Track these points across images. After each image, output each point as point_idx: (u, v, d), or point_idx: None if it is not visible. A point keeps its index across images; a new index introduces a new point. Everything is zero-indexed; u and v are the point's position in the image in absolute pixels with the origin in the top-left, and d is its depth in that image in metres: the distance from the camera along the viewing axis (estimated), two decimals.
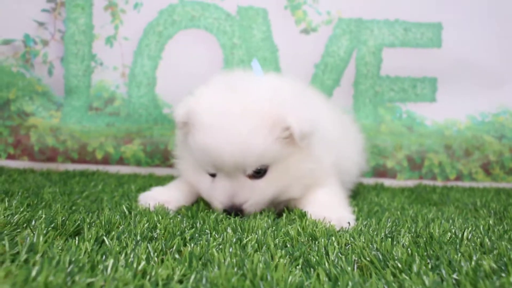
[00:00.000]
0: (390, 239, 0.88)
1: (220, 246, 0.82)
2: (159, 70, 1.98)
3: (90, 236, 0.83)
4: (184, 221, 1.00)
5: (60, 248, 0.78)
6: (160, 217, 1.00)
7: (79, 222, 0.92)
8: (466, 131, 2.02)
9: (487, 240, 0.90)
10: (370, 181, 1.99)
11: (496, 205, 1.39)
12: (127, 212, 1.06)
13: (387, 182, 2.00)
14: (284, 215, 1.11)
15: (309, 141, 1.14)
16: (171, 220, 0.99)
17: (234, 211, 1.10)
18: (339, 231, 0.99)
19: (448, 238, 0.92)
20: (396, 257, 0.76)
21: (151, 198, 1.18)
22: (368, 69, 1.99)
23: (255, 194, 1.12)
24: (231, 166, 1.10)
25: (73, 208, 1.11)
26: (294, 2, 1.97)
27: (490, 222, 1.12)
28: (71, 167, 1.99)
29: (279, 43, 1.98)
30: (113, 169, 1.99)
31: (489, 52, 2.00)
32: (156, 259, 0.74)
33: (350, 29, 1.98)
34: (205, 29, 1.97)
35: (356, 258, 0.78)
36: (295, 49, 1.97)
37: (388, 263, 0.75)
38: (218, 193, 1.13)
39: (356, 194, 1.61)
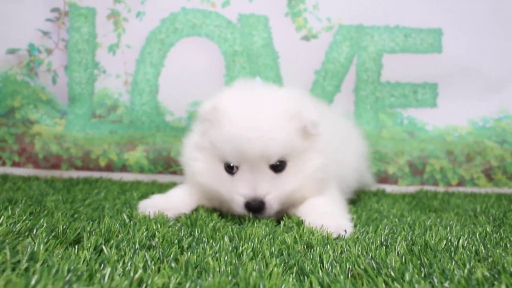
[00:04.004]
0: (385, 247, 0.88)
1: (216, 255, 0.83)
2: (161, 77, 2.00)
3: (89, 244, 0.84)
4: (183, 230, 1.02)
5: (60, 256, 0.80)
6: (159, 225, 1.02)
7: (79, 230, 0.94)
8: (467, 136, 2.02)
9: (482, 248, 0.90)
10: (372, 187, 1.99)
11: (496, 211, 1.39)
12: (127, 220, 1.08)
13: (389, 188, 2.00)
14: (282, 222, 1.12)
15: (318, 134, 1.23)
16: (170, 229, 1.00)
17: (257, 204, 1.14)
18: (336, 239, 1.00)
19: (443, 246, 0.92)
20: (390, 265, 0.77)
21: (151, 206, 1.20)
22: (369, 75, 2.00)
23: (276, 187, 1.17)
24: (257, 155, 1.14)
25: (75, 216, 1.13)
26: (295, 9, 1.99)
27: (488, 229, 1.12)
28: (75, 174, 2.01)
29: (280, 50, 1.99)
30: (116, 176, 2.01)
31: (489, 56, 2.00)
32: (153, 267, 0.76)
33: (351, 35, 1.99)
34: (207, 37, 1.99)
35: (350, 266, 0.79)
36: (295, 55, 1.99)
37: (381, 271, 0.76)
38: (240, 185, 1.16)
39: (357, 201, 1.62)
